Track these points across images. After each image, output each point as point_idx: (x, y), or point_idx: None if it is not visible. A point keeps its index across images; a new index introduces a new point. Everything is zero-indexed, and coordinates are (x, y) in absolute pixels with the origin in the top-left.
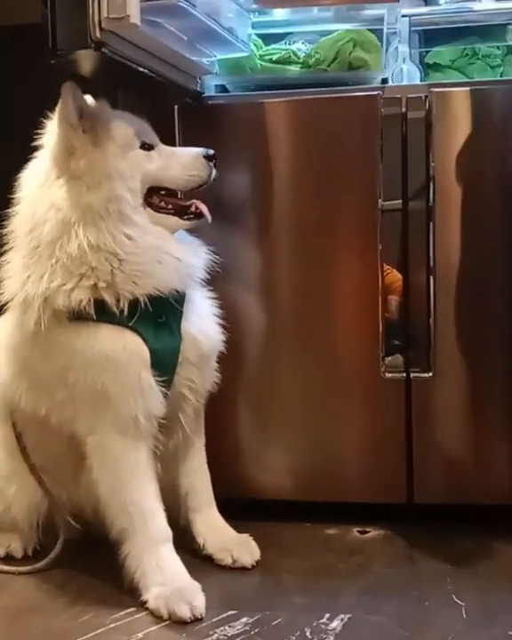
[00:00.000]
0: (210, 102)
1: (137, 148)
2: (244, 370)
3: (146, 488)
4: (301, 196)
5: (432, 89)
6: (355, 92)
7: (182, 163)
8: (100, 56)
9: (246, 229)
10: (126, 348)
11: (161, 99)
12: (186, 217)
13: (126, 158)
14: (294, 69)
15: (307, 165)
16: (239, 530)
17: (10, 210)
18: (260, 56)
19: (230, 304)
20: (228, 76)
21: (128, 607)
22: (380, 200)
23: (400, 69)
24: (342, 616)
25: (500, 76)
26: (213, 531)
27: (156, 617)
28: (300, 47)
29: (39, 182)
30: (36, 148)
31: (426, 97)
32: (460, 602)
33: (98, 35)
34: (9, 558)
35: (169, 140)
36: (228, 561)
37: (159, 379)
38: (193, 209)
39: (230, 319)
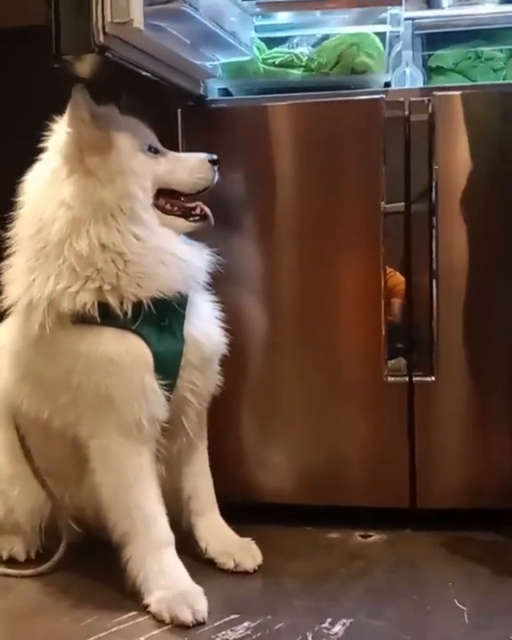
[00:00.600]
0: (213, 106)
1: (146, 151)
2: (246, 373)
3: (148, 492)
4: (304, 199)
5: (435, 92)
6: (358, 95)
7: (190, 166)
8: (103, 60)
9: (249, 232)
10: (130, 351)
11: (164, 102)
12: (191, 219)
13: (138, 157)
14: (297, 73)
15: (309, 168)
16: (241, 533)
17: (12, 213)
18: (263, 59)
19: (233, 307)
20: (231, 80)
21: (130, 611)
22: (382, 203)
23: (403, 72)
24: (344, 620)
25: (503, 79)
26: (215, 534)
27: (158, 621)
28: (303, 50)
29: (46, 182)
30: (40, 150)
31: (428, 100)
32: (461, 606)
33: (101, 39)
34: (12, 561)
35: (172, 143)
36: (231, 565)
37: (162, 382)
38: (198, 211)
39: (233, 322)
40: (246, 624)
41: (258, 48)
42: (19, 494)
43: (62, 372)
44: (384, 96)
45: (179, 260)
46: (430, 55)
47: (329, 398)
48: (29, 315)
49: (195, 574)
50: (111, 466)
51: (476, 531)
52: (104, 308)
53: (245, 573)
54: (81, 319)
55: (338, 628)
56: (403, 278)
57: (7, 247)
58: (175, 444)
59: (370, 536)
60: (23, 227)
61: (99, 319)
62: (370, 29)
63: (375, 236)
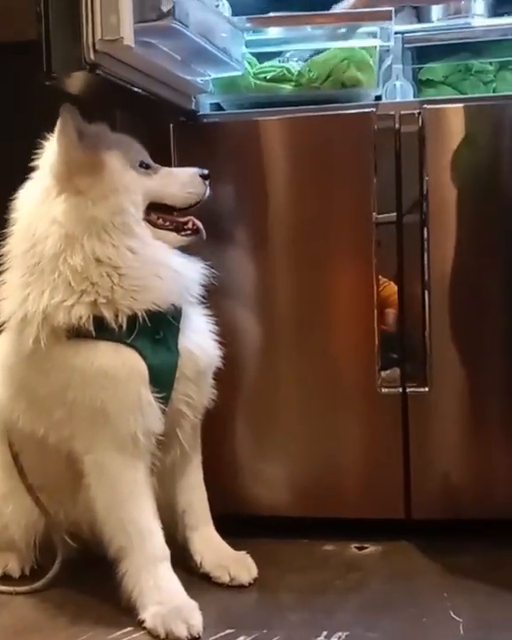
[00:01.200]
0: (205, 120)
1: (137, 167)
2: (240, 385)
3: (143, 506)
4: (296, 212)
5: (425, 105)
6: (349, 109)
7: (181, 181)
8: (94, 77)
9: (241, 245)
10: (125, 364)
11: (156, 117)
12: (183, 233)
13: (129, 174)
14: (288, 87)
15: (301, 182)
16: (236, 547)
17: (6, 230)
18: (255, 74)
19: (226, 320)
20: (223, 95)
21: (126, 626)
22: (374, 213)
23: (393, 86)
24: (340, 633)
25: (493, 92)
26: (210, 548)
27: (154, 636)
28: (294, 65)
29: (38, 200)
30: (33, 168)
31: (419, 113)
32: (457, 618)
33: (92, 57)
34: (6, 578)
35: (164, 158)
36: (226, 579)
37: (157, 395)
38: (190, 225)
39: (227, 335)
40: (242, 638)
41: (249, 63)
42: (12, 511)
43: (57, 387)
44: (375, 109)
45: (173, 272)
46: (420, 68)
47: (323, 410)
48: (23, 330)
49: (190, 588)
50: (106, 481)
51: (471, 542)
52: (99, 321)
53: (241, 587)
54: (75, 333)
55: None
56: (396, 288)
57: (0, 264)
58: (169, 456)
59: (365, 548)
60: (16, 243)
61: (94, 333)
62: (360, 44)
63: (367, 246)
